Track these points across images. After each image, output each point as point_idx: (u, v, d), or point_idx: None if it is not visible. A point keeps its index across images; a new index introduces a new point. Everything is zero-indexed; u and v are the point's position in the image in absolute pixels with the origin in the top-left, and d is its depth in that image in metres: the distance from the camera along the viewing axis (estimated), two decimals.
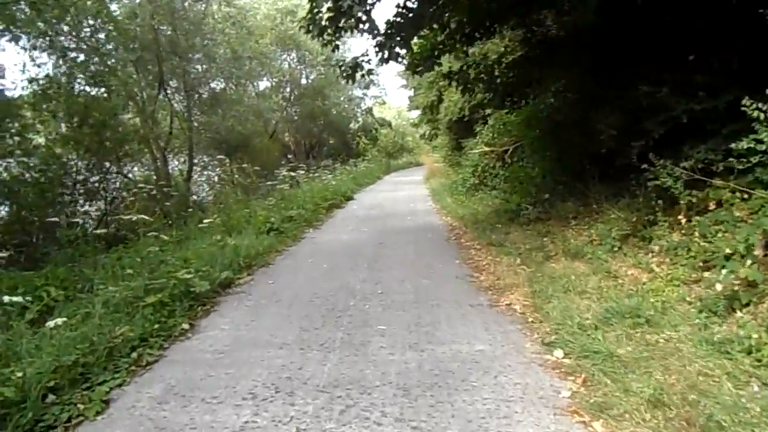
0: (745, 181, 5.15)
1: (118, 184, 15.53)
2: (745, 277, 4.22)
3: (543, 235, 8.52)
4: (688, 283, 5.15)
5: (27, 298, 4.39)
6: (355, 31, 8.02)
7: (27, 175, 11.04)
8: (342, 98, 35.30)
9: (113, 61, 15.67)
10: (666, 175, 5.67)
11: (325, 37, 8.17)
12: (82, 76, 12.16)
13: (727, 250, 4.65)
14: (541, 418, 3.08)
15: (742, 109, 4.53)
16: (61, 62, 12.03)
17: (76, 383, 3.56)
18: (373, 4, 7.69)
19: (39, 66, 12.27)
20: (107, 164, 13.71)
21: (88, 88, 12.60)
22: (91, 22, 12.78)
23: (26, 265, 7.93)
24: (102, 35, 13.67)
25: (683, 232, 5.86)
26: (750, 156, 4.71)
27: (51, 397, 3.31)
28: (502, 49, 12.81)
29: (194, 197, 23.78)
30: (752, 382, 3.27)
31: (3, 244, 9.41)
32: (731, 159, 5.01)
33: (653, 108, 6.05)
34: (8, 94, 11.52)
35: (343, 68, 7.84)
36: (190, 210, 10.61)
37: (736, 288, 4.32)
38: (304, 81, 31.61)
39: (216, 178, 25.01)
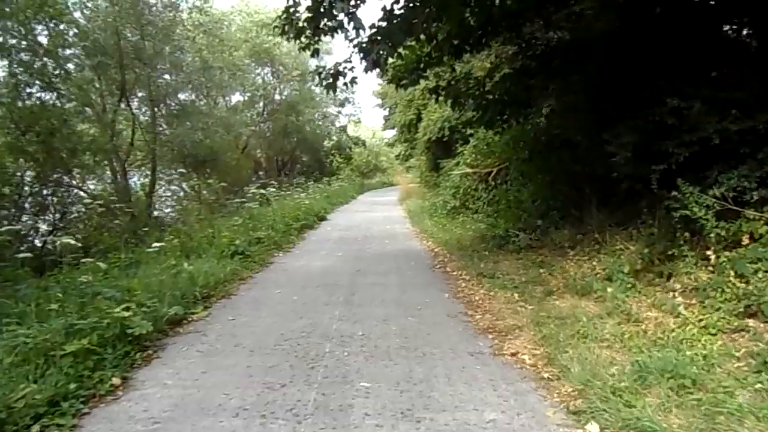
0: None
1: (71, 198, 14.37)
2: None
3: (538, 265, 7.74)
4: (728, 332, 4.37)
5: None
6: (337, 34, 7.17)
7: None
8: (316, 115, 34.50)
9: (71, 66, 14.66)
10: (694, 204, 4.92)
11: (303, 39, 7.31)
12: (28, 79, 10.97)
13: None
14: None
15: None
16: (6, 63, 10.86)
17: None
18: (356, 5, 6.86)
19: None
20: (61, 176, 12.54)
21: (38, 93, 11.42)
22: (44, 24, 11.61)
23: None
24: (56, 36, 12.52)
25: (712, 269, 5.11)
26: None
27: None
28: (488, 64, 12.20)
29: (157, 213, 22.65)
30: None
31: None
32: None
33: (676, 127, 5.32)
34: None
35: (323, 75, 6.97)
36: (147, 229, 9.48)
37: None
38: (278, 96, 30.73)
39: (181, 194, 23.92)
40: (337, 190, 26.12)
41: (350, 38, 7.19)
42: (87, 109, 14.05)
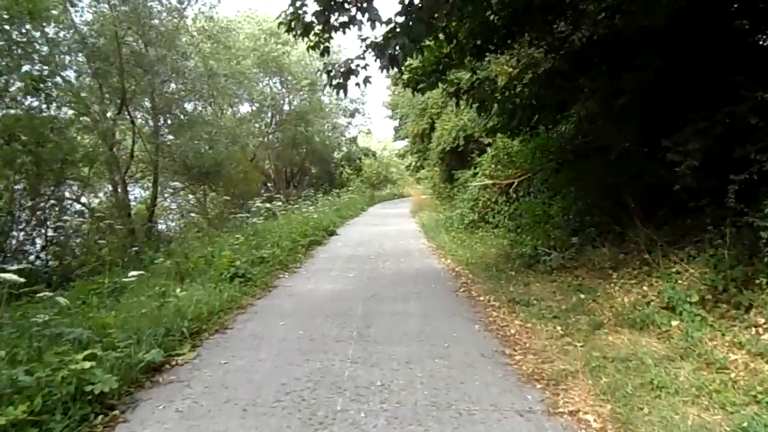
0: None
1: (65, 213, 13.63)
2: None
3: (576, 289, 6.83)
4: None
5: None
6: (349, 29, 6.33)
7: None
8: (326, 125, 33.73)
9: (70, 73, 13.97)
10: None
11: (312, 37, 6.47)
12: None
13: None
14: None
15: None
16: None
17: None
18: None
19: None
20: (53, 189, 11.78)
21: (26, 100, 10.64)
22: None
23: None
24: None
25: None
26: None
27: None
28: (509, 68, 11.35)
29: (161, 227, 21.94)
30: None
31: None
32: None
33: (759, 128, 4.40)
34: None
35: (332, 74, 6.12)
36: (136, 248, 8.66)
37: None
38: (286, 107, 30.01)
39: (187, 207, 23.19)
40: (347, 202, 25.29)
41: (362, 37, 6.37)
42: (84, 117, 13.28)
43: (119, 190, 14.52)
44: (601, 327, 5.35)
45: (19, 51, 9.89)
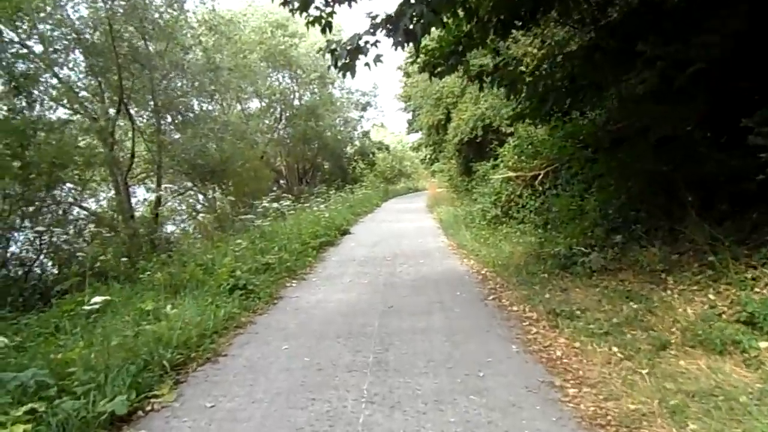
0: None
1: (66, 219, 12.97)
2: None
3: (624, 296, 5.91)
4: None
5: None
6: (355, 2, 5.46)
7: None
8: (337, 120, 32.92)
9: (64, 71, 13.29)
10: None
11: (312, 11, 5.60)
12: None
13: None
14: None
15: None
16: None
17: None
18: None
19: None
20: (46, 192, 11.08)
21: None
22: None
23: None
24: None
25: None
26: None
27: None
28: (534, 49, 10.40)
29: (171, 229, 21.29)
30: None
31: None
32: None
33: None
34: None
35: (337, 53, 5.23)
36: (125, 258, 7.89)
37: None
38: (296, 102, 29.20)
39: (195, 209, 22.53)
40: (361, 198, 24.43)
41: (372, 15, 5.46)
42: (80, 117, 12.58)
43: (121, 192, 13.80)
44: (667, 347, 4.44)
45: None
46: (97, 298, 4.36)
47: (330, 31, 5.57)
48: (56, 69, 13.00)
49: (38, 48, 12.71)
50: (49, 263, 12.40)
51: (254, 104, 28.21)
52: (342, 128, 33.59)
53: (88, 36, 13.16)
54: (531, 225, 11.25)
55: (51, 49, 12.86)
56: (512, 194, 12.20)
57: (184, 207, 23.30)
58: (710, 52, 4.33)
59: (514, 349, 4.74)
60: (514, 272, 7.79)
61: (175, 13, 14.62)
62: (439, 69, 8.00)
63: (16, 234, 11.40)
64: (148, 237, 13.84)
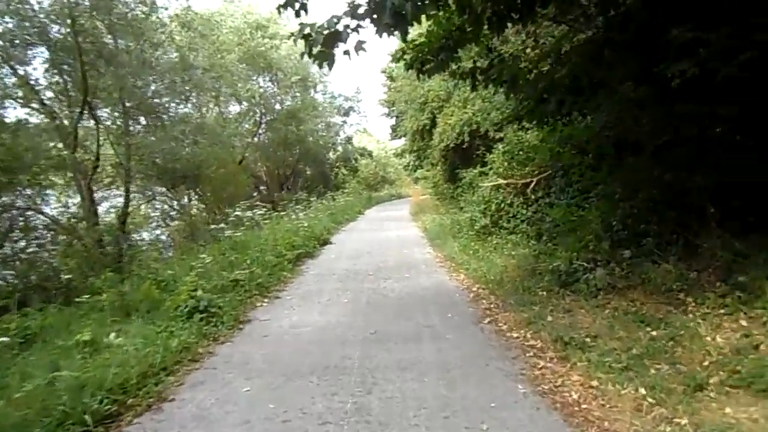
0: None
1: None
2: None
3: (638, 319, 5.24)
4: None
5: None
6: None
7: None
8: (319, 125, 32.05)
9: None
10: None
11: None
12: None
13: None
14: None
15: None
16: None
17: None
18: None
19: None
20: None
21: None
22: None
23: None
24: None
25: None
26: None
27: None
28: (529, 47, 9.73)
29: (145, 237, 20.27)
30: None
31: None
32: None
33: None
34: None
35: (312, 38, 4.44)
36: (69, 276, 7.02)
37: None
38: (277, 106, 28.31)
39: (169, 215, 21.55)
40: (343, 205, 23.62)
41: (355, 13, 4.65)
42: (40, 117, 11.65)
43: (84, 197, 12.84)
44: (704, 388, 3.72)
45: None
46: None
47: (305, 13, 4.77)
48: (14, 65, 12.05)
49: None
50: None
51: (234, 108, 27.36)
52: (324, 133, 32.72)
53: (52, 31, 12.20)
54: (523, 236, 10.56)
55: (8, 43, 11.91)
56: (502, 203, 11.49)
57: (158, 214, 22.35)
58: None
59: (521, 390, 3.98)
60: (511, 290, 7.07)
61: (145, 9, 13.75)
62: (427, 66, 7.27)
63: None
64: (115, 246, 12.93)
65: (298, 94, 28.65)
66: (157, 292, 6.16)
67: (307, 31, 4.39)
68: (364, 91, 76.00)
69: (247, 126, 26.37)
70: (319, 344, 5.18)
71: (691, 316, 4.96)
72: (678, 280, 5.59)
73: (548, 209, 10.12)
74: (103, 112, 14.77)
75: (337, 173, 36.52)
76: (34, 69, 12.83)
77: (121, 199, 13.93)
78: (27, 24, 11.93)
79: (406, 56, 7.69)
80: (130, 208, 16.75)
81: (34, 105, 12.86)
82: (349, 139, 36.51)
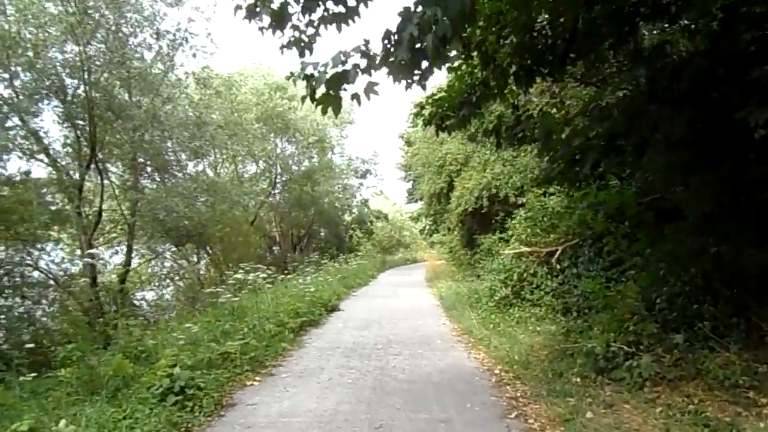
0: None
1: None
2: None
3: (701, 422, 4.35)
4: None
5: None
6: (347, 24, 4.15)
7: None
8: (336, 186, 31.74)
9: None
10: None
11: (288, 31, 4.26)
12: None
13: None
14: None
15: None
16: None
17: None
18: None
19: None
20: None
21: None
22: None
23: None
24: None
25: None
26: None
27: None
28: (552, 102, 9.18)
29: (148, 297, 19.59)
30: None
31: None
32: None
33: None
34: None
35: (314, 78, 3.81)
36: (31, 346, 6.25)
37: None
38: (294, 168, 28.13)
39: (170, 275, 20.94)
40: (356, 268, 22.81)
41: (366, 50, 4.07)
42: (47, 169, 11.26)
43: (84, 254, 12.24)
44: None
45: None
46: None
47: (310, 53, 4.21)
48: (24, 116, 11.78)
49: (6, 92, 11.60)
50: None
51: (251, 168, 27.17)
52: (340, 195, 32.35)
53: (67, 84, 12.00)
54: (549, 309, 9.67)
55: (21, 96, 11.69)
56: (525, 272, 10.65)
57: (165, 272, 21.73)
58: None
59: None
60: (539, 375, 6.15)
61: (162, 67, 13.61)
62: (447, 122, 6.69)
63: None
64: (116, 305, 12.20)
65: (315, 156, 28.48)
66: (131, 367, 5.34)
67: (309, 70, 3.76)
68: (381, 154, 76.64)
69: (262, 186, 26.04)
70: None
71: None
72: (745, 373, 4.68)
73: (576, 281, 9.30)
74: (115, 167, 14.51)
75: (352, 235, 35.91)
76: (41, 120, 12.61)
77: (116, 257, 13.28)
78: (44, 78, 11.75)
79: (424, 111, 7.16)
80: (134, 266, 16.20)
81: (40, 157, 12.55)
82: (365, 202, 36.07)
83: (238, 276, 9.39)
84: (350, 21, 4.24)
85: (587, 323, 7.62)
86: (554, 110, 9.07)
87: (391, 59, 3.68)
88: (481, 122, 7.04)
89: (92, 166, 12.38)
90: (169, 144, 13.79)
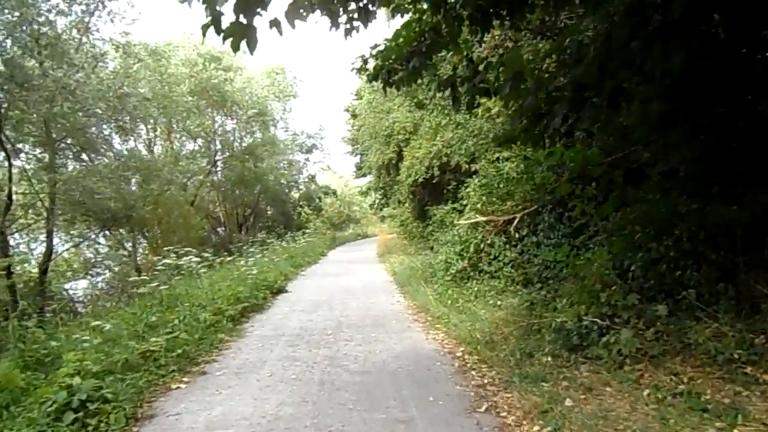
0: None
1: None
2: None
3: (699, 405, 3.77)
4: None
5: None
6: None
7: None
8: (281, 163, 30.49)
9: None
10: None
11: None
12: None
13: None
14: None
15: None
16: None
17: None
18: None
19: None
20: None
21: None
22: None
23: None
24: None
25: None
26: None
27: None
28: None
29: (81, 286, 18.23)
30: None
31: None
32: None
33: None
34: None
35: (218, 6, 2.88)
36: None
37: None
38: (236, 144, 26.69)
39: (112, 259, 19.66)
40: (304, 246, 21.90)
41: None
42: None
43: None
44: None
45: None
46: None
47: None
48: None
49: None
50: None
51: (191, 145, 25.63)
52: (286, 171, 31.12)
53: None
54: (508, 281, 9.11)
55: None
56: (482, 243, 10.04)
57: (100, 259, 20.31)
58: None
59: None
60: (506, 356, 5.53)
61: (77, 34, 12.16)
62: (395, 76, 5.87)
63: None
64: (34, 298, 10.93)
65: (257, 131, 27.14)
66: (24, 378, 4.37)
67: None
68: (327, 129, 75.15)
69: (201, 164, 24.58)
70: None
71: None
72: (739, 346, 4.14)
73: (536, 249, 8.75)
74: (28, 146, 13.03)
75: (300, 213, 34.82)
76: None
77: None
78: None
79: (368, 66, 6.31)
80: (60, 254, 14.84)
81: None
82: (312, 178, 34.94)
83: (168, 261, 8.37)
84: None
85: (551, 295, 7.07)
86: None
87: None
88: (433, 75, 6.24)
89: None
90: (89, 120, 12.37)
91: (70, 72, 10.97)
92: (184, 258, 8.80)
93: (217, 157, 24.94)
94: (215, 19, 2.88)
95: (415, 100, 17.26)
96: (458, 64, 5.97)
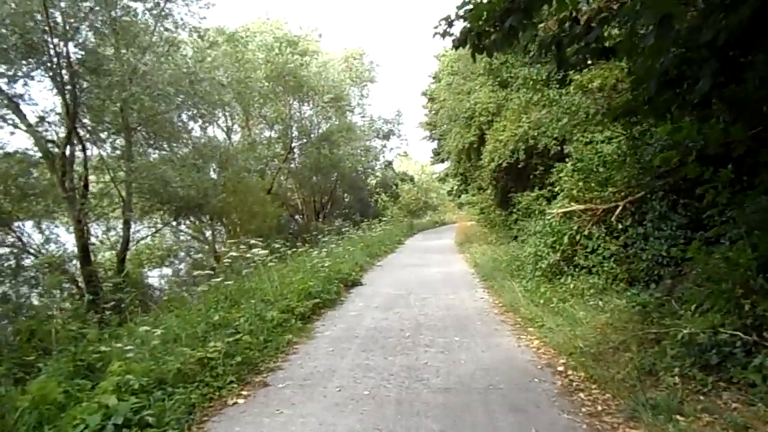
0: None
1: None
2: None
3: None
4: None
5: None
6: None
7: None
8: (358, 149, 30.03)
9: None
10: None
11: None
12: None
13: None
14: None
15: None
16: None
17: None
18: None
19: None
20: None
21: None
22: None
23: None
24: None
25: None
26: None
27: None
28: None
29: (164, 275, 18.53)
30: None
31: None
32: None
33: None
34: None
35: None
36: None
37: None
38: (312, 130, 26.45)
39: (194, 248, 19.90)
40: (380, 235, 21.27)
41: None
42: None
43: (72, 231, 10.94)
44: None
45: None
46: None
47: None
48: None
49: None
50: None
51: (268, 132, 25.65)
52: (362, 157, 30.68)
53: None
54: (609, 278, 7.97)
55: None
56: (578, 234, 8.92)
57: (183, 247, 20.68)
58: None
59: None
60: (623, 374, 4.53)
61: (152, 19, 12.00)
62: (487, 39, 4.93)
63: None
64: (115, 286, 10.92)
65: (333, 116, 26.75)
66: (66, 387, 3.88)
67: None
68: (405, 114, 74.36)
69: (278, 150, 24.49)
70: None
71: None
72: None
73: (643, 243, 7.57)
74: (106, 134, 13.08)
75: (377, 200, 34.37)
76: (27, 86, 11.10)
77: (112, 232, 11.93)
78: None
79: (453, 29, 5.37)
80: (141, 242, 14.98)
81: (22, 127, 11.14)
82: (389, 164, 34.36)
83: (233, 254, 7.89)
84: None
85: (668, 297, 5.95)
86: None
87: None
88: (533, 36, 5.26)
89: (74, 132, 10.92)
90: (162, 105, 12.19)
91: (143, 57, 10.75)
92: (253, 250, 8.29)
93: (293, 144, 24.74)
94: None
95: (499, 79, 16.13)
96: (566, 21, 4.91)
